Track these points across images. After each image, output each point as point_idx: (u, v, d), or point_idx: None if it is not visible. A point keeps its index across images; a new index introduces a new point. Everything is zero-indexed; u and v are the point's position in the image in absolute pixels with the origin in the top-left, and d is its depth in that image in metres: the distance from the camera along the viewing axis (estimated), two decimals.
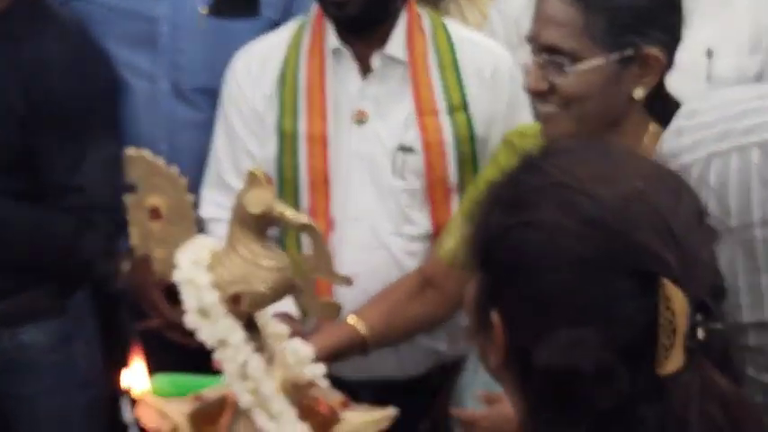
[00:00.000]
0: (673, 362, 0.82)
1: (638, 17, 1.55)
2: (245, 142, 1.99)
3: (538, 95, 1.61)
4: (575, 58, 1.55)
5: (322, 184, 1.93)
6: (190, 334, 2.13)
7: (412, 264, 1.95)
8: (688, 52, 2.04)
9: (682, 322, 0.82)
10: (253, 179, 1.36)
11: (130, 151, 1.42)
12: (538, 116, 1.69)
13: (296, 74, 1.95)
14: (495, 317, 0.88)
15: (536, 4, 1.62)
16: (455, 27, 2.04)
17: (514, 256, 0.87)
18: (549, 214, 0.86)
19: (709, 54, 2.09)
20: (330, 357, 1.61)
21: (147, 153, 1.41)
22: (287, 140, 1.94)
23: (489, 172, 1.84)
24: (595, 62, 1.54)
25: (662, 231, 0.85)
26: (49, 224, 2.07)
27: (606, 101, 1.58)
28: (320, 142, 1.93)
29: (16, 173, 2.05)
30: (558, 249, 0.85)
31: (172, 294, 2.26)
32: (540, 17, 1.60)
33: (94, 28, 2.14)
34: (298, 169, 1.93)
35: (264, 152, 1.97)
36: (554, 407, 0.86)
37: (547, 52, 1.57)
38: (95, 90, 2.09)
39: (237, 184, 1.98)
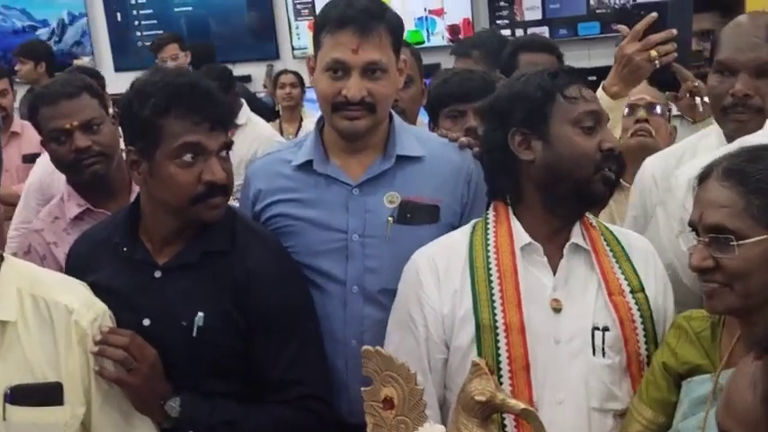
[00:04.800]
0: None
1: None
2: (434, 336, 2.07)
3: (702, 273, 1.77)
4: (739, 235, 1.71)
5: (523, 370, 1.99)
6: None
7: None
8: None
9: None
10: (477, 369, 1.53)
11: (367, 347, 1.58)
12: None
13: (487, 268, 2.06)
14: None
15: (697, 192, 1.81)
16: (606, 224, 2.22)
17: None
18: None
19: None
20: None
21: (381, 349, 1.56)
22: (485, 331, 2.01)
23: (661, 355, 1.97)
24: (758, 238, 1.70)
25: None
26: (274, 418, 2.14)
27: None
28: (519, 331, 2.00)
29: (234, 376, 2.15)
30: None
31: None
32: (702, 202, 1.78)
33: (290, 239, 2.32)
34: (499, 357, 2.00)
35: (457, 342, 2.06)
36: None
37: (712, 232, 1.74)
38: (300, 293, 2.23)
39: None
